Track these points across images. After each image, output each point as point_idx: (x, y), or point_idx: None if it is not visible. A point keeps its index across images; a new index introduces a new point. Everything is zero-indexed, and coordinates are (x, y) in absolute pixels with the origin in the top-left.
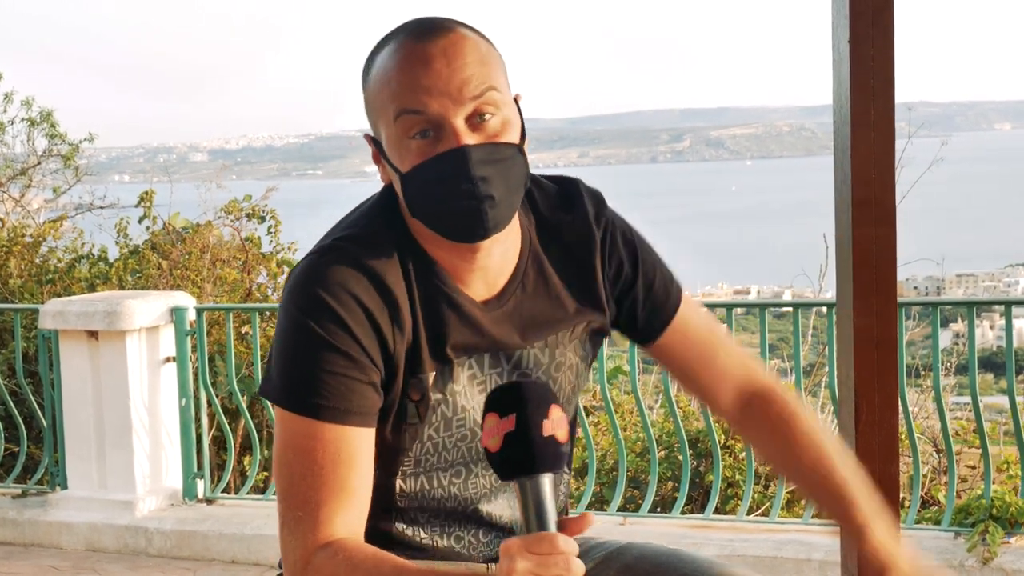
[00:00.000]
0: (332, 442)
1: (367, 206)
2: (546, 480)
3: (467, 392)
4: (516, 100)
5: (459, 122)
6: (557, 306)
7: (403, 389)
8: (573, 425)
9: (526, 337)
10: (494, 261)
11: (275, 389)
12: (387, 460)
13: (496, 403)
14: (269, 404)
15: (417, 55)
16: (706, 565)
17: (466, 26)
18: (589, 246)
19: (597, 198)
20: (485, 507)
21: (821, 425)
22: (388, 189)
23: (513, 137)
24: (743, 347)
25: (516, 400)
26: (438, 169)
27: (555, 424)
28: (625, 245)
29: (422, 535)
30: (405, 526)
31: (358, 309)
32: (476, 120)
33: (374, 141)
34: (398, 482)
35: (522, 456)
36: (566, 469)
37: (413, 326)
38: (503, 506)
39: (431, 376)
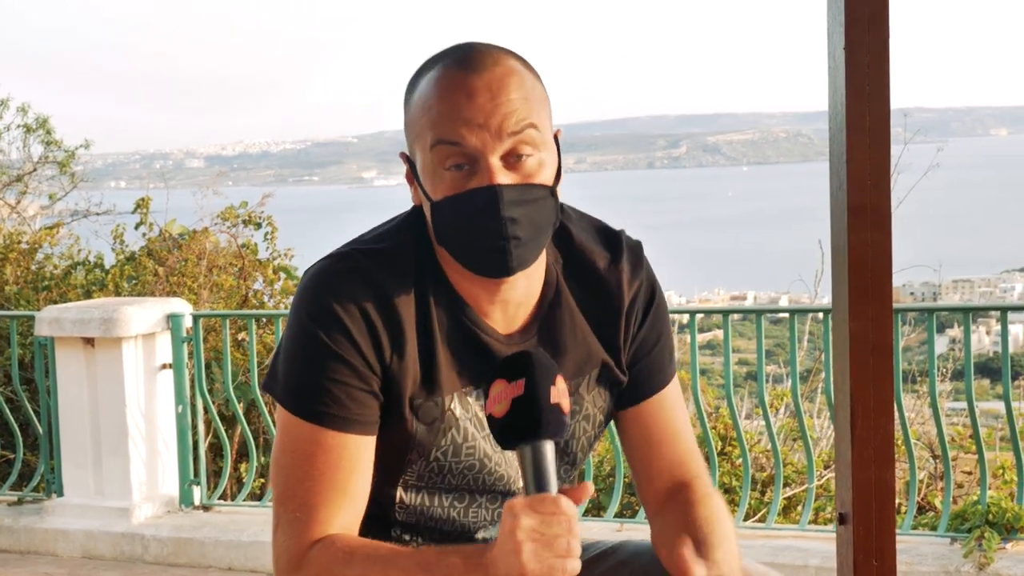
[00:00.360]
0: (333, 448)
1: (396, 223)
2: (549, 446)
3: (477, 422)
4: (556, 136)
5: (495, 160)
6: (580, 345)
7: (413, 409)
8: (581, 463)
9: None
10: (516, 295)
11: (281, 389)
12: (391, 469)
13: (505, 370)
14: (265, 410)
15: (460, 85)
16: None
17: (515, 56)
18: (619, 296)
19: (636, 252)
20: (483, 536)
21: (723, 513)
22: (418, 210)
23: (547, 178)
24: (693, 443)
25: (525, 366)
26: (468, 205)
27: (560, 393)
28: (647, 305)
29: (418, 540)
30: (404, 540)
31: (362, 321)
32: (512, 159)
33: (409, 161)
34: (399, 492)
35: (529, 420)
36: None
37: (425, 349)
38: None
39: (445, 400)
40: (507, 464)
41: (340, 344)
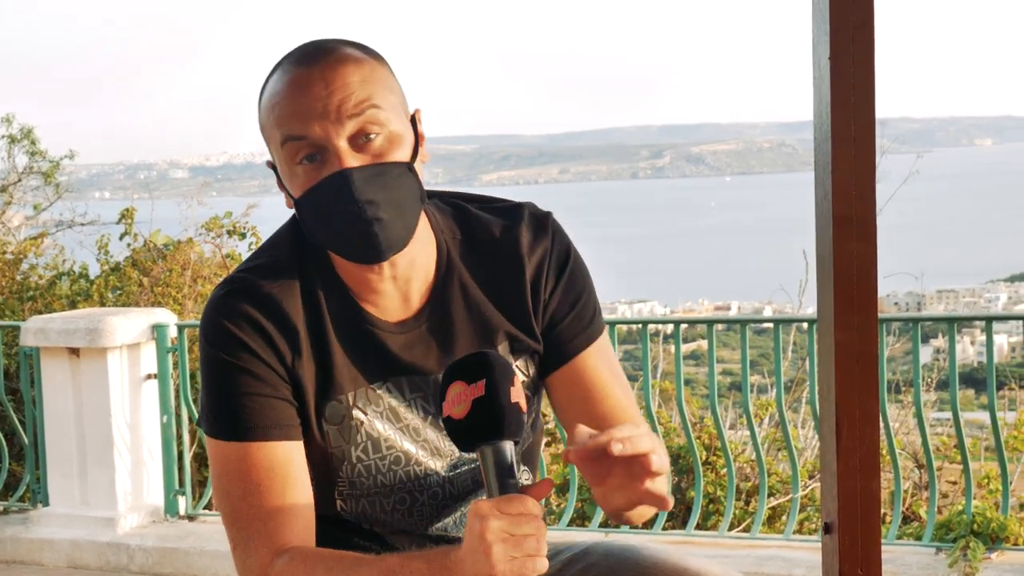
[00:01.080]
0: (261, 459)
1: (277, 234)
2: (510, 446)
3: (390, 415)
4: (415, 116)
5: (341, 143)
6: (476, 319)
7: (320, 412)
8: (533, 456)
9: (443, 360)
10: (402, 275)
11: (204, 420)
12: (324, 484)
13: (462, 371)
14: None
15: (298, 80)
16: (663, 556)
17: (352, 45)
18: (520, 263)
19: (540, 222)
20: (436, 528)
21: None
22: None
23: (402, 155)
24: (628, 398)
25: (483, 367)
26: (323, 195)
27: (518, 392)
28: (560, 269)
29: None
30: (366, 548)
31: (256, 333)
32: (361, 140)
33: (274, 168)
34: (339, 503)
35: (491, 422)
36: (529, 474)
37: (321, 349)
38: (457, 527)
39: (349, 397)
40: (431, 455)
41: (239, 358)
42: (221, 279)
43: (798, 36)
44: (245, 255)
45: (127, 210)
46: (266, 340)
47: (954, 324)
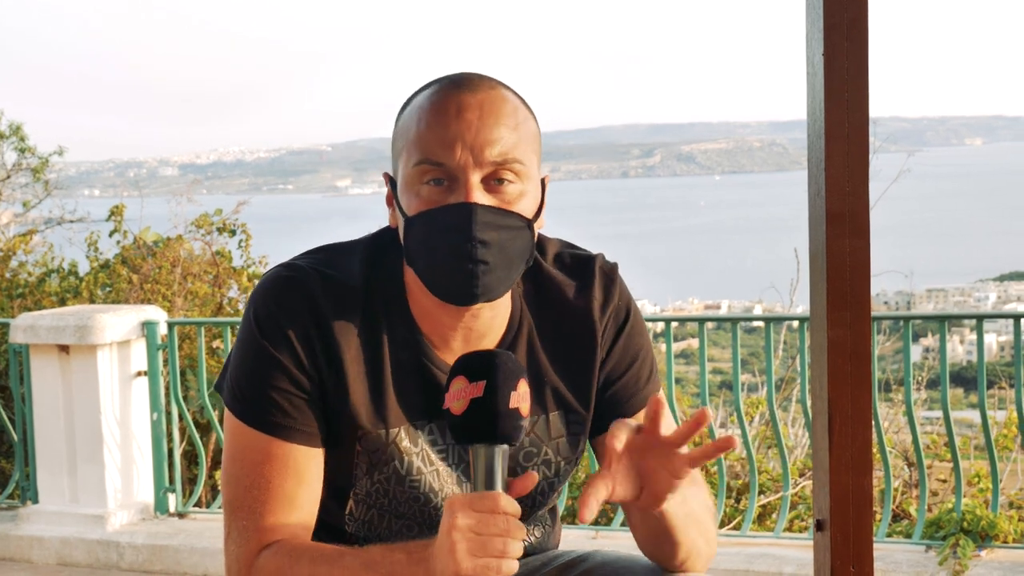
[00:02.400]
0: (280, 457)
1: (349, 246)
2: (502, 449)
3: (425, 457)
4: (543, 182)
5: (475, 178)
6: (540, 388)
7: (358, 436)
8: (554, 515)
9: None
10: (478, 329)
11: (232, 397)
12: (341, 480)
13: (467, 367)
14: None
15: (452, 101)
16: (661, 571)
17: (512, 91)
18: (590, 339)
19: (609, 279)
20: None
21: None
22: (382, 235)
23: (527, 209)
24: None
25: (488, 367)
26: (441, 220)
27: (521, 397)
28: (619, 328)
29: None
30: (353, 537)
31: (304, 339)
32: (493, 182)
33: (391, 181)
34: (351, 503)
35: (485, 424)
36: (550, 522)
37: (375, 381)
38: None
39: (392, 432)
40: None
41: (284, 356)
42: (293, 260)
43: (789, 35)
44: (235, 252)
45: (117, 207)
46: (309, 350)
47: (945, 323)
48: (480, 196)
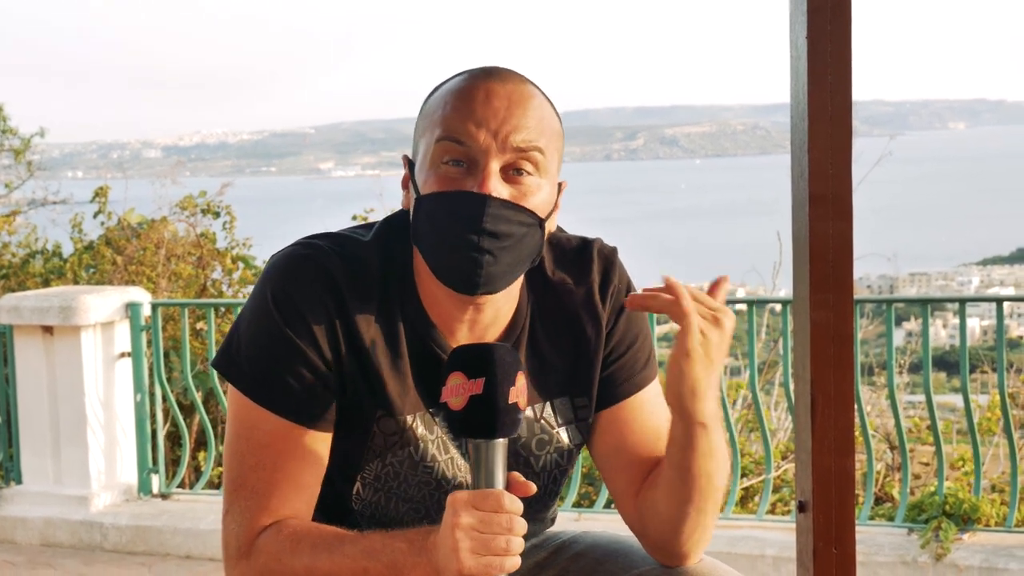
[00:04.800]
0: (287, 439)
1: (372, 234)
2: (502, 445)
3: (441, 444)
4: (560, 185)
5: (495, 165)
6: (546, 376)
7: (375, 419)
8: (552, 498)
9: None
10: (483, 319)
11: (241, 374)
12: (350, 461)
13: (464, 363)
14: (224, 399)
15: (482, 88)
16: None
17: (540, 90)
18: (592, 322)
19: (608, 263)
20: None
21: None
22: (395, 219)
23: (541, 207)
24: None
25: (487, 363)
26: (453, 204)
27: (520, 391)
28: (618, 317)
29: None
30: (358, 517)
31: (323, 321)
32: (512, 172)
33: (409, 163)
34: (357, 485)
35: (485, 421)
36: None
37: (393, 366)
38: None
39: (408, 419)
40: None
41: (300, 337)
42: (309, 239)
43: (772, 18)
44: (220, 234)
45: (101, 188)
46: (329, 332)
47: (928, 306)
48: (497, 183)
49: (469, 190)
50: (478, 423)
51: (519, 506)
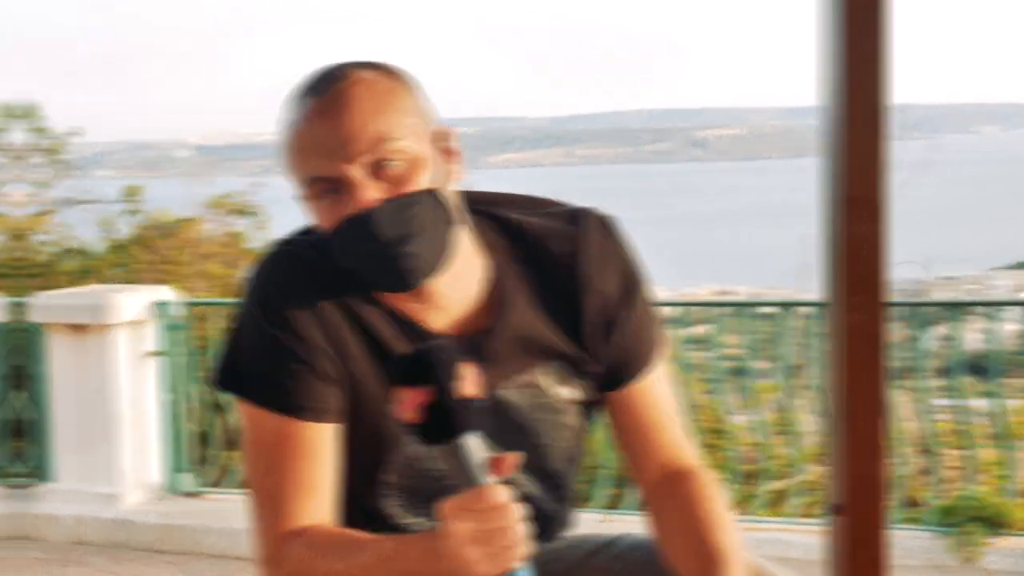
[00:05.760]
0: (295, 437)
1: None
2: (472, 439)
3: None
4: (445, 133)
5: (358, 175)
6: (533, 342)
7: (384, 400)
8: (573, 465)
9: (493, 381)
10: (444, 298)
11: (243, 385)
12: (374, 454)
13: (403, 375)
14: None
15: (310, 114)
16: None
17: (367, 67)
18: (580, 279)
19: (603, 229)
20: None
21: (726, 509)
22: None
23: (425, 179)
24: (681, 425)
25: (423, 369)
26: (347, 235)
27: (468, 382)
28: (620, 283)
29: (410, 519)
30: (393, 504)
31: (315, 311)
32: (378, 167)
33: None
34: (385, 475)
35: (442, 423)
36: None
37: (380, 351)
38: None
39: None
40: None
41: (296, 333)
42: (283, 242)
43: (802, 19)
44: (251, 233)
45: (132, 188)
46: (321, 320)
47: (959, 310)
48: (371, 189)
49: (352, 213)
50: (438, 429)
51: (508, 496)
